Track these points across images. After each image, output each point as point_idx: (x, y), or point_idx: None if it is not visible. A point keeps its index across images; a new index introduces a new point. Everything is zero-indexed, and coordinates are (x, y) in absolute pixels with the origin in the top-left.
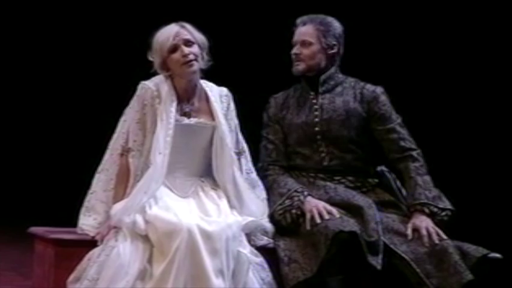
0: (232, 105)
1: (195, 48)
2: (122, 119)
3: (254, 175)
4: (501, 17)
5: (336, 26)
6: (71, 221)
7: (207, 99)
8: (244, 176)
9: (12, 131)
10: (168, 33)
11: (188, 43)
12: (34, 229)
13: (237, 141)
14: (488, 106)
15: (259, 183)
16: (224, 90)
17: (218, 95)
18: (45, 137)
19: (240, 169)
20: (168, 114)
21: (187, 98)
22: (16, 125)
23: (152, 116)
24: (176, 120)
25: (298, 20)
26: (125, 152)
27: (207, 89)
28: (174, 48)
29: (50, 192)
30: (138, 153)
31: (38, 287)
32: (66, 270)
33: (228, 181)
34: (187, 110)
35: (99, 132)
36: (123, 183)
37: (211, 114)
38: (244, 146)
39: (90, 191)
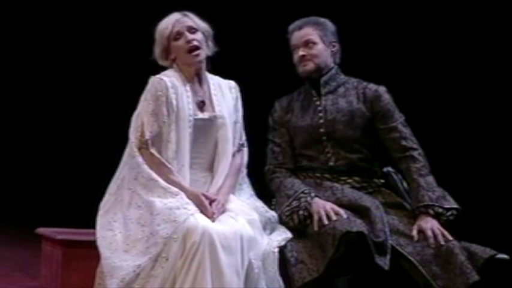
0: (239, 96)
1: (198, 35)
2: (135, 114)
3: (245, 171)
4: (502, 17)
5: (330, 24)
6: (79, 222)
7: (210, 91)
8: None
9: (21, 133)
10: (168, 20)
11: (191, 30)
12: (42, 230)
13: (241, 133)
14: (496, 102)
15: (246, 180)
16: (232, 82)
17: (227, 87)
18: (54, 139)
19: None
20: (187, 117)
21: (196, 88)
22: (25, 127)
23: (167, 106)
24: (194, 115)
25: (291, 27)
26: (143, 145)
27: (211, 81)
28: (177, 35)
29: (58, 193)
30: (158, 144)
31: None
32: (74, 271)
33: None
34: (200, 103)
35: (108, 134)
36: (163, 174)
37: (213, 106)
38: (245, 140)
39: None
